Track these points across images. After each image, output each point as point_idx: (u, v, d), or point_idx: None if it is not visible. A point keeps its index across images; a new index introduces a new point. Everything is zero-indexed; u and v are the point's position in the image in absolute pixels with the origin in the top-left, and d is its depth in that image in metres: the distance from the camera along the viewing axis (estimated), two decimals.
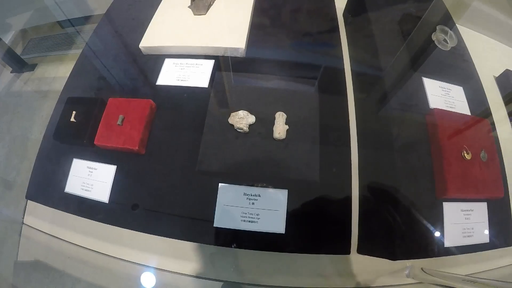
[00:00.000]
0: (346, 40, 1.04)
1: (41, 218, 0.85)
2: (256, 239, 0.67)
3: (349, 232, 0.69)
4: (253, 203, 0.69)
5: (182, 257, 0.76)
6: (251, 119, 0.77)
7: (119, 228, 0.72)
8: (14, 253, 0.84)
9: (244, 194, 0.70)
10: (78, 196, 0.75)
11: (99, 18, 1.10)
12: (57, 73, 1.34)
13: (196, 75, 0.86)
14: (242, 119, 0.76)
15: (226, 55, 0.91)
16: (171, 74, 0.87)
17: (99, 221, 0.73)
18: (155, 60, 0.91)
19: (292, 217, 0.68)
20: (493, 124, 0.81)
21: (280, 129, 0.75)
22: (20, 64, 1.39)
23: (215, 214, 0.68)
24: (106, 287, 0.80)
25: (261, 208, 0.68)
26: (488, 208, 0.72)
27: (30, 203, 0.87)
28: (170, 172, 0.75)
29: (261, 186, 0.70)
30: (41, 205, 0.79)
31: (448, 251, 0.68)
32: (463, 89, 0.85)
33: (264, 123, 0.77)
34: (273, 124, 0.76)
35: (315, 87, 0.87)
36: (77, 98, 0.87)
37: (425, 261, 0.71)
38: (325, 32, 0.99)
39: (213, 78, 0.86)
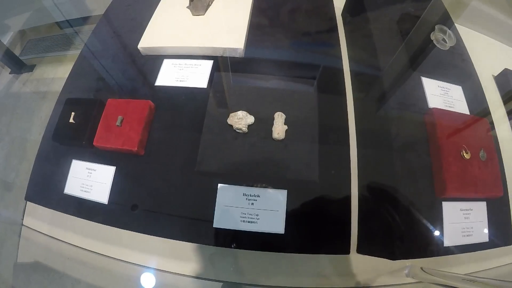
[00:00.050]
0: (345, 40, 1.04)
1: (40, 220, 0.84)
2: (255, 239, 0.67)
3: (348, 232, 0.69)
4: (252, 204, 0.69)
5: (181, 257, 0.76)
6: (250, 119, 0.77)
7: (118, 229, 0.72)
8: (13, 254, 0.84)
9: (244, 194, 0.70)
10: (78, 197, 0.75)
11: (97, 18, 1.10)
12: (56, 74, 1.34)
13: (195, 75, 0.86)
14: (241, 120, 0.76)
15: (225, 56, 0.91)
16: (170, 75, 0.87)
17: (99, 222, 0.73)
18: (154, 60, 0.91)
19: (291, 217, 0.68)
20: (492, 123, 0.81)
21: (279, 129, 0.75)
22: (18, 65, 1.39)
23: (214, 214, 0.69)
24: None
25: (260, 208, 0.68)
26: (487, 207, 0.72)
27: (30, 204, 0.87)
28: (169, 173, 0.75)
29: (260, 187, 0.70)
30: (40, 206, 0.79)
31: (448, 251, 0.68)
32: (462, 88, 0.85)
33: (263, 124, 0.77)
34: (272, 124, 0.76)
35: (314, 87, 0.87)
36: (76, 99, 0.87)
37: (424, 261, 0.70)
38: (323, 32, 0.99)
39: (212, 79, 0.86)
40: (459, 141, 0.73)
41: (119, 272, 0.78)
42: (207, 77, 0.85)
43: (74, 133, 0.80)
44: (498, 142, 0.80)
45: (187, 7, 0.98)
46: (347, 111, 0.83)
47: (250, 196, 0.70)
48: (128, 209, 0.72)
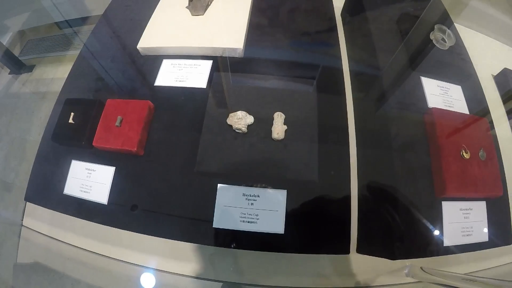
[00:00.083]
0: (344, 39, 1.04)
1: (40, 220, 0.84)
2: (255, 239, 0.67)
3: (348, 232, 0.69)
4: (252, 204, 0.69)
5: (181, 258, 0.76)
6: (250, 119, 0.77)
7: (118, 229, 0.72)
8: (13, 255, 0.84)
9: (243, 194, 0.70)
10: (77, 198, 0.75)
11: (97, 19, 1.10)
12: (55, 74, 1.34)
13: (194, 75, 0.86)
14: (240, 120, 0.76)
15: (224, 56, 0.91)
16: (169, 75, 0.87)
17: (98, 223, 0.73)
18: (153, 61, 0.91)
19: (291, 217, 0.68)
20: (491, 123, 0.81)
21: (278, 129, 0.75)
22: (18, 65, 1.39)
23: (214, 214, 0.68)
24: None
25: (260, 208, 0.68)
26: (487, 207, 0.72)
27: (29, 205, 0.87)
28: (169, 173, 0.75)
29: (260, 187, 0.70)
30: (40, 207, 0.79)
31: (448, 250, 0.68)
32: (462, 88, 0.85)
33: (263, 124, 0.77)
34: (272, 124, 0.76)
35: (313, 87, 0.87)
36: (75, 99, 0.86)
37: (424, 260, 0.70)
38: (323, 32, 0.99)
39: (211, 79, 0.86)
40: (458, 141, 0.73)
41: (119, 273, 0.78)
42: (207, 77, 0.85)
43: (73, 134, 0.79)
44: (498, 142, 0.79)
45: (186, 7, 0.98)
46: (346, 111, 0.83)
47: (250, 196, 0.69)
48: (128, 210, 0.72)
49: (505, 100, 0.96)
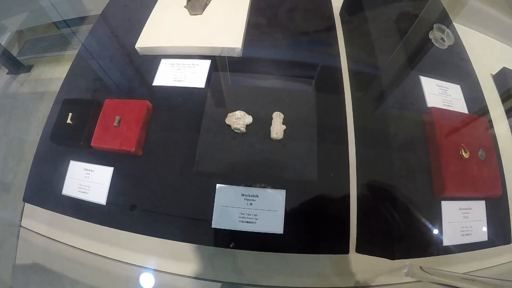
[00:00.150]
0: (343, 39, 1.04)
1: (38, 221, 0.84)
2: (254, 239, 0.67)
3: (347, 231, 0.69)
4: (251, 204, 0.69)
5: (180, 258, 0.75)
6: (248, 119, 0.76)
7: (117, 230, 0.72)
8: (12, 256, 0.83)
9: (242, 194, 0.70)
10: (75, 198, 0.75)
11: (94, 18, 1.09)
12: (54, 74, 1.34)
13: (192, 75, 0.86)
14: (239, 120, 0.75)
15: (223, 55, 0.91)
16: (168, 75, 0.87)
17: (97, 223, 0.73)
18: (152, 60, 0.91)
19: (290, 217, 0.68)
20: (490, 122, 0.81)
21: (277, 129, 0.75)
22: (16, 65, 1.39)
23: (213, 215, 0.68)
24: None
25: (259, 208, 0.68)
26: (486, 206, 0.72)
27: (28, 205, 0.86)
28: (167, 174, 0.74)
29: (259, 187, 0.70)
30: (38, 207, 0.78)
31: (447, 250, 0.68)
32: (461, 87, 0.85)
33: (261, 123, 0.77)
34: (271, 124, 0.76)
35: (312, 87, 0.86)
36: (73, 99, 0.86)
37: (424, 260, 0.70)
38: (322, 31, 0.99)
39: (209, 79, 0.85)
40: (458, 140, 0.73)
41: (118, 273, 0.78)
42: (205, 77, 0.85)
43: (71, 134, 0.79)
44: (497, 141, 0.79)
45: (185, 6, 0.98)
46: (345, 111, 0.83)
47: (249, 196, 0.69)
48: (126, 210, 0.72)
49: (504, 99, 0.96)
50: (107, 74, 0.92)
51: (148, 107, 0.80)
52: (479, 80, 0.90)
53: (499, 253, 0.76)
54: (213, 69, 0.88)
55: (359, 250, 0.71)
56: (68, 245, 0.80)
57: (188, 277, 0.74)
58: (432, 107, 0.79)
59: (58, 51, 1.45)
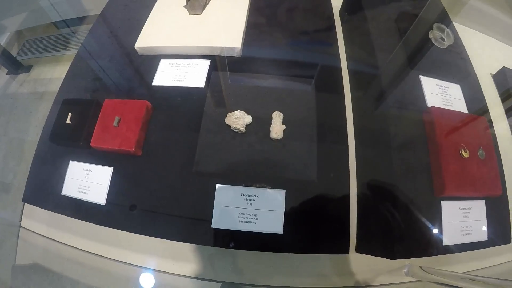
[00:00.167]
0: (342, 38, 1.04)
1: (38, 221, 0.84)
2: (254, 239, 0.67)
3: (347, 231, 0.69)
4: (250, 204, 0.69)
5: (180, 258, 0.75)
6: (248, 119, 0.76)
7: (117, 230, 0.71)
8: (12, 256, 0.83)
9: (242, 194, 0.69)
10: (75, 199, 0.75)
11: (94, 18, 1.09)
12: (53, 74, 1.33)
13: (192, 75, 0.86)
14: (238, 119, 0.75)
15: (222, 55, 0.90)
16: (167, 75, 0.87)
17: (96, 224, 0.73)
18: (151, 60, 0.91)
19: (290, 217, 0.68)
20: (490, 121, 0.81)
21: (277, 129, 0.75)
22: (15, 66, 1.39)
23: (212, 215, 0.68)
24: None
25: (259, 208, 0.68)
26: (486, 206, 0.72)
27: (27, 205, 0.86)
28: (167, 174, 0.74)
29: (258, 187, 0.70)
30: (38, 207, 0.78)
31: (447, 250, 0.68)
32: (460, 87, 0.85)
33: (261, 123, 0.77)
34: (270, 124, 0.76)
35: (312, 86, 0.86)
36: (73, 99, 0.86)
37: (423, 259, 0.70)
38: (321, 31, 0.98)
39: (209, 78, 0.85)
40: (457, 140, 0.73)
41: (118, 273, 0.78)
42: (205, 76, 0.85)
43: (71, 134, 0.79)
44: (497, 140, 0.79)
45: (184, 6, 0.98)
46: (345, 110, 0.83)
47: (249, 196, 0.69)
48: (126, 210, 0.72)
49: (503, 99, 0.96)
50: (106, 74, 0.92)
51: (148, 107, 0.80)
52: (479, 79, 0.90)
53: (499, 252, 0.77)
54: (212, 69, 0.87)
55: (359, 250, 0.71)
56: (68, 245, 0.80)
57: (188, 277, 0.74)
58: (432, 106, 0.79)
59: (58, 51, 1.45)
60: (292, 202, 0.69)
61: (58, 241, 0.81)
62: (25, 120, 1.23)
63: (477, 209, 0.72)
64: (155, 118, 0.81)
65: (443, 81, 0.85)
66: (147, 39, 0.93)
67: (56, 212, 0.76)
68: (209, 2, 1.00)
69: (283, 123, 0.76)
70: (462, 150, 0.72)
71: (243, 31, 0.93)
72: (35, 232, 0.84)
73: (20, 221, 0.86)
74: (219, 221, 0.68)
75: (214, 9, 0.99)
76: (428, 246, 0.68)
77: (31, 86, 1.34)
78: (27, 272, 0.84)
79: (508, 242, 0.72)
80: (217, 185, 0.70)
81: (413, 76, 0.85)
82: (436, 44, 0.91)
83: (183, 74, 0.86)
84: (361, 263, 0.73)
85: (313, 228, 0.69)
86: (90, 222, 0.73)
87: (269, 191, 0.70)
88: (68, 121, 0.80)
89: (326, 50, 0.95)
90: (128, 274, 0.77)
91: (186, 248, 0.75)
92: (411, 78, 0.84)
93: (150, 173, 0.75)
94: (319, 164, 0.73)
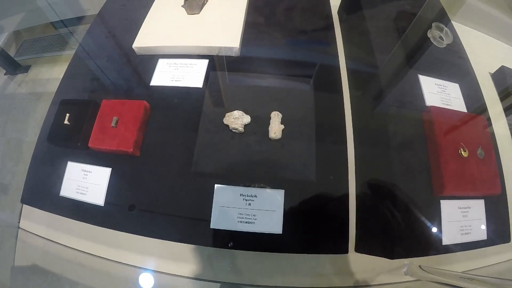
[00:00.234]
0: (341, 38, 1.04)
1: (37, 222, 0.84)
2: (253, 240, 0.67)
3: (346, 231, 0.69)
4: (249, 204, 0.68)
5: (179, 259, 0.75)
6: (246, 119, 0.76)
7: (115, 231, 0.71)
8: (11, 257, 0.83)
9: (241, 195, 0.69)
10: (73, 200, 0.74)
11: (92, 18, 1.09)
12: (51, 74, 1.33)
13: (190, 75, 0.85)
14: (237, 119, 0.75)
15: (221, 55, 0.90)
16: (165, 75, 0.87)
17: (95, 224, 0.72)
18: (149, 60, 0.91)
19: (289, 217, 0.68)
20: (489, 120, 0.81)
21: (275, 128, 0.74)
22: (13, 66, 1.39)
23: (211, 215, 0.68)
24: None
25: (257, 208, 0.68)
26: (485, 205, 0.72)
27: (26, 206, 0.86)
28: (165, 174, 0.74)
29: (257, 187, 0.70)
30: (37, 209, 0.78)
31: (446, 249, 0.68)
32: (459, 86, 0.85)
33: (260, 123, 0.77)
34: (269, 124, 0.76)
35: (310, 86, 0.86)
36: (71, 100, 0.86)
37: (423, 259, 0.70)
38: (320, 30, 0.98)
39: (207, 78, 0.85)
40: (457, 139, 0.73)
41: (117, 274, 0.78)
42: (203, 76, 0.85)
43: (69, 135, 0.79)
44: (496, 140, 0.79)
45: (182, 6, 0.98)
46: (344, 110, 0.83)
47: (247, 196, 0.69)
48: (124, 211, 0.71)
49: (502, 98, 0.96)
50: (104, 74, 0.92)
51: (146, 107, 0.79)
52: (477, 78, 0.90)
53: (498, 251, 0.76)
54: (211, 69, 0.87)
55: (358, 249, 0.71)
56: (66, 246, 0.80)
57: (187, 277, 0.74)
58: (431, 106, 0.79)
59: (56, 51, 1.45)
60: (291, 202, 0.69)
61: (57, 242, 0.81)
62: (23, 121, 1.23)
63: (477, 208, 0.72)
64: (153, 119, 0.81)
65: (442, 80, 0.85)
66: (145, 39, 0.92)
67: (55, 213, 0.76)
68: (207, 1, 1.00)
69: (281, 123, 0.76)
70: (461, 149, 0.72)
71: (241, 31, 0.92)
72: (34, 233, 0.83)
73: (19, 222, 0.86)
74: (218, 221, 0.68)
75: (212, 9, 0.99)
76: (428, 246, 0.68)
77: (29, 86, 1.34)
78: (26, 273, 0.83)
79: (508, 241, 0.72)
80: (216, 185, 0.70)
81: (412, 75, 0.85)
82: (435, 43, 0.91)
83: (181, 74, 0.86)
84: (360, 263, 0.73)
85: (312, 228, 0.69)
86: (88, 223, 0.73)
87: (268, 191, 0.69)
88: (66, 121, 0.80)
89: (324, 49, 0.95)
90: (127, 274, 0.77)
91: (185, 249, 0.75)
92: (410, 77, 0.84)
93: (148, 173, 0.75)
94: (318, 164, 0.73)
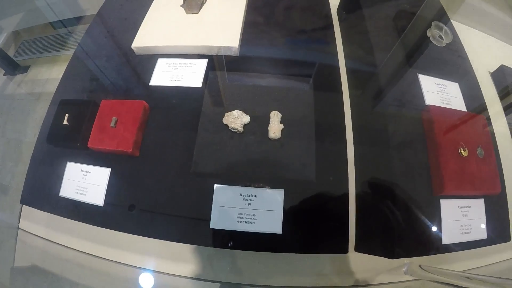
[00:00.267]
0: (340, 37, 1.03)
1: (36, 223, 0.84)
2: (253, 240, 0.67)
3: (346, 230, 0.69)
4: (249, 204, 0.68)
5: (179, 259, 0.75)
6: (246, 119, 0.76)
7: (115, 231, 0.71)
8: (10, 258, 0.83)
9: (240, 194, 0.69)
10: (73, 200, 0.74)
11: (91, 18, 1.09)
12: (50, 74, 1.33)
13: (189, 75, 0.85)
14: (236, 119, 0.75)
15: (220, 54, 0.90)
16: (164, 75, 0.86)
17: (95, 225, 0.72)
18: (148, 60, 0.90)
19: (289, 217, 0.68)
20: (489, 120, 0.81)
21: (275, 128, 0.74)
22: (12, 66, 1.38)
23: (211, 215, 0.68)
24: None
25: (257, 208, 0.68)
26: (485, 204, 0.72)
27: (25, 207, 0.86)
28: (165, 174, 0.74)
29: (257, 187, 0.70)
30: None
31: (446, 248, 0.68)
32: (459, 85, 0.85)
33: (259, 123, 0.77)
34: (268, 123, 0.76)
35: (310, 85, 0.86)
36: (70, 100, 0.86)
37: (423, 258, 0.70)
38: (319, 29, 0.98)
39: (206, 78, 0.85)
40: (456, 138, 0.73)
41: (117, 274, 0.78)
42: (202, 76, 0.85)
43: (68, 135, 0.79)
44: (495, 139, 0.79)
45: (181, 5, 0.98)
46: (343, 109, 0.83)
47: (247, 196, 0.69)
48: (124, 211, 0.71)
49: (502, 97, 0.96)
50: (103, 74, 0.92)
51: (145, 107, 0.79)
52: (477, 77, 0.90)
53: (498, 251, 0.76)
54: (210, 69, 0.87)
55: (358, 249, 0.71)
56: (66, 247, 0.80)
57: (187, 277, 0.74)
58: (430, 105, 0.79)
59: (55, 51, 1.44)
60: (291, 202, 0.69)
61: (57, 243, 0.81)
62: (22, 121, 1.22)
63: (476, 207, 0.72)
64: (153, 118, 0.81)
65: (441, 80, 0.84)
66: (144, 38, 0.92)
67: (54, 214, 0.76)
68: (206, 1, 1.00)
69: (281, 122, 0.76)
70: (461, 148, 0.72)
71: (240, 30, 0.92)
72: (34, 234, 0.83)
73: (19, 222, 0.86)
74: (217, 221, 0.68)
75: (211, 8, 0.98)
76: (427, 245, 0.68)
77: (29, 86, 1.33)
78: (26, 274, 0.83)
79: (507, 240, 0.72)
80: (215, 185, 0.70)
81: (412, 74, 0.85)
82: (434, 42, 0.90)
83: (180, 74, 0.86)
84: (360, 262, 0.73)
85: (312, 227, 0.69)
86: (88, 223, 0.73)
87: (268, 191, 0.69)
88: (65, 122, 0.80)
89: (324, 48, 0.95)
90: (127, 275, 0.77)
91: (184, 249, 0.75)
92: (409, 76, 0.84)
93: (148, 174, 0.75)
94: (318, 163, 0.73)
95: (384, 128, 0.77)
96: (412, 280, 0.72)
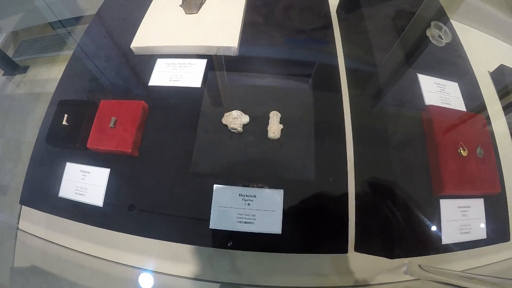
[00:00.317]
0: (340, 37, 1.03)
1: (36, 223, 0.84)
2: (252, 240, 0.67)
3: (346, 230, 0.69)
4: (248, 204, 0.68)
5: (179, 259, 0.75)
6: (245, 119, 0.76)
7: (114, 231, 0.71)
8: (10, 258, 0.83)
9: (240, 195, 0.69)
10: (72, 201, 0.74)
11: (90, 18, 1.09)
12: (50, 74, 1.33)
13: (188, 75, 0.85)
14: (236, 119, 0.75)
15: (219, 54, 0.90)
16: (164, 75, 0.86)
17: (94, 225, 0.72)
18: (147, 60, 0.90)
19: (288, 217, 0.68)
20: (488, 119, 0.81)
21: (274, 128, 0.74)
22: (12, 67, 1.38)
23: (210, 215, 0.68)
24: None
25: (257, 208, 0.68)
26: (485, 204, 0.72)
27: (25, 207, 0.86)
28: (164, 174, 0.74)
29: (256, 187, 0.70)
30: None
31: (446, 248, 0.68)
32: (458, 85, 0.85)
33: (258, 123, 0.77)
34: (268, 123, 0.76)
35: (309, 85, 0.86)
36: (69, 100, 0.86)
37: (422, 258, 0.70)
38: (318, 29, 0.98)
39: (206, 78, 0.85)
40: (456, 138, 0.73)
41: (116, 275, 0.78)
42: (201, 76, 0.85)
43: (67, 136, 0.79)
44: (495, 138, 0.79)
45: (180, 5, 0.97)
46: (343, 109, 0.83)
47: (247, 196, 0.69)
48: (123, 212, 0.71)
49: (501, 97, 0.96)
50: (102, 74, 0.92)
51: (144, 107, 0.79)
52: (476, 77, 0.90)
53: (497, 250, 0.76)
54: (209, 69, 0.87)
55: (357, 249, 0.71)
56: (66, 247, 0.80)
57: (187, 278, 0.74)
58: (430, 105, 0.79)
59: (54, 51, 1.44)
60: (290, 202, 0.69)
61: (56, 243, 0.81)
62: (22, 121, 1.22)
63: (476, 207, 0.72)
64: (152, 119, 0.81)
65: (441, 79, 0.84)
66: (143, 39, 0.92)
67: (54, 214, 0.76)
68: (205, 1, 0.99)
69: (280, 122, 0.76)
70: (461, 148, 0.72)
71: (239, 30, 0.92)
72: (33, 235, 0.83)
73: (18, 223, 0.86)
74: (217, 221, 0.68)
75: (211, 8, 0.98)
76: (427, 245, 0.68)
77: (28, 87, 1.33)
78: (25, 274, 0.83)
79: (507, 240, 0.72)
80: (215, 185, 0.70)
81: (411, 74, 0.84)
82: (433, 42, 0.90)
83: (179, 74, 0.86)
84: (360, 262, 0.73)
85: (311, 227, 0.69)
86: (87, 224, 0.73)
87: (267, 191, 0.69)
88: (64, 122, 0.80)
89: (323, 48, 0.95)
90: (126, 275, 0.77)
91: (184, 249, 0.75)
92: (409, 76, 0.84)
93: (147, 174, 0.74)
94: (317, 163, 0.73)
95: (383, 128, 0.77)
96: (412, 280, 0.72)
